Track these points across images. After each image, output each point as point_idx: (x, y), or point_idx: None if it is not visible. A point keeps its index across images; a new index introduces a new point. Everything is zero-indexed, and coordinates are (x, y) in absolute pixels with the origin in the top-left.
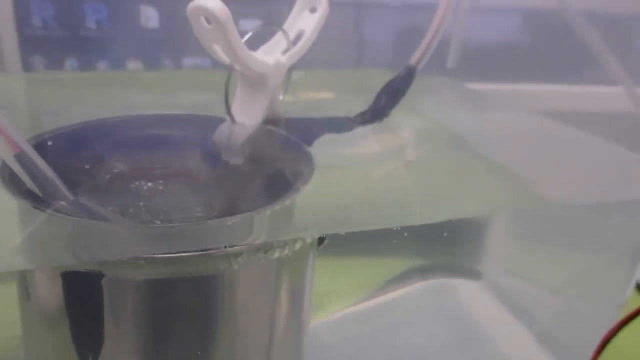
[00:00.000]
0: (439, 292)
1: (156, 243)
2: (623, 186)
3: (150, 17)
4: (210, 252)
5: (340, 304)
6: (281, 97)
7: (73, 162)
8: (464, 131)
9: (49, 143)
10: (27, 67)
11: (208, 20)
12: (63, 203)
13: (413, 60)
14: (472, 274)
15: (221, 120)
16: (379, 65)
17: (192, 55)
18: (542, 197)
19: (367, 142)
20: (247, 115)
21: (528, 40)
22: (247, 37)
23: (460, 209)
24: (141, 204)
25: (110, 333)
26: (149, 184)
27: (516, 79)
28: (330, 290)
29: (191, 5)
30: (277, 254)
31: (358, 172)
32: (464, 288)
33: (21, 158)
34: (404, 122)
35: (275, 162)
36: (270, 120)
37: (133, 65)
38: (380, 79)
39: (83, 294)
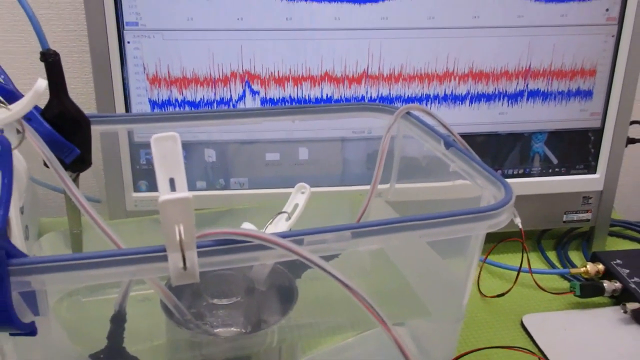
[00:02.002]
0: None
1: (233, 347)
2: None
3: (210, 154)
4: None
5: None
6: None
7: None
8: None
9: None
10: (135, 189)
11: None
12: (191, 325)
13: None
14: (399, 323)
15: None
16: (358, 181)
17: (236, 176)
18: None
19: None
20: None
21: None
22: (268, 224)
23: None
24: (219, 320)
25: None
26: (221, 310)
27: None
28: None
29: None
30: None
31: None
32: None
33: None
34: None
35: (277, 287)
36: None
37: (200, 184)
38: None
39: None
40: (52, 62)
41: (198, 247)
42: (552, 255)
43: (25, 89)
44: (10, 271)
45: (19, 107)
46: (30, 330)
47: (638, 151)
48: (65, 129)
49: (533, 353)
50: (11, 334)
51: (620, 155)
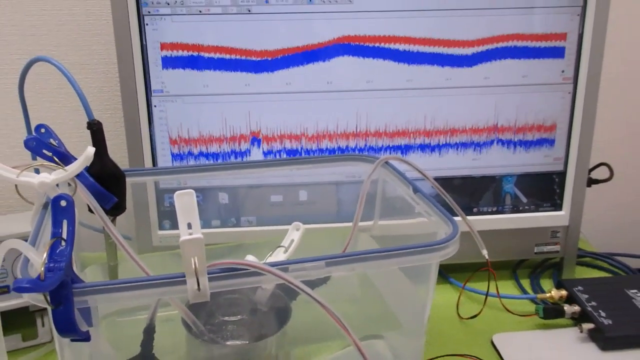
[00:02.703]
0: (368, 345)
1: (239, 355)
2: None
3: (223, 197)
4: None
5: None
6: None
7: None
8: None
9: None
10: (160, 227)
11: None
12: (206, 337)
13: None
14: (379, 336)
15: (260, 287)
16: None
17: (245, 215)
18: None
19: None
20: (267, 284)
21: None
22: (267, 257)
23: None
24: (228, 333)
25: None
26: (230, 326)
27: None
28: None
29: None
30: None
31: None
32: (377, 344)
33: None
34: None
35: (276, 308)
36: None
37: (215, 222)
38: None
39: None
40: (96, 130)
41: (209, 274)
42: (526, 283)
43: (66, 141)
44: (74, 293)
45: (73, 169)
46: (85, 337)
47: (614, 190)
48: (106, 182)
49: None
50: (72, 340)
51: (583, 194)
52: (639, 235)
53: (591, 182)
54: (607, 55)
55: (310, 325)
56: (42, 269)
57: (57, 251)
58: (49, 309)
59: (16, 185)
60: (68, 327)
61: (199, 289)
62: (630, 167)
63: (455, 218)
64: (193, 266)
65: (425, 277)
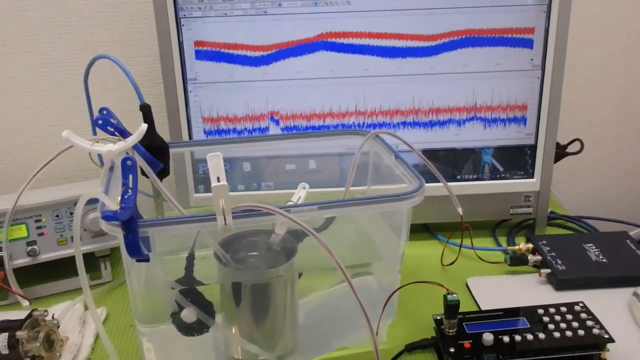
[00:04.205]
0: (361, 280)
1: (257, 277)
2: None
3: (247, 166)
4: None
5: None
6: None
7: (229, 249)
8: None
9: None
10: (196, 190)
11: None
12: (232, 266)
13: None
14: (370, 273)
15: (273, 232)
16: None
17: (265, 181)
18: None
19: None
20: (280, 230)
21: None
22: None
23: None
24: (249, 264)
25: (238, 297)
26: (251, 259)
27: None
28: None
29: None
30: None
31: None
32: (369, 279)
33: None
34: None
35: (286, 248)
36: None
37: (240, 187)
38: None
39: (233, 286)
40: (146, 112)
41: (232, 213)
42: (503, 240)
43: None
44: (138, 225)
45: (131, 140)
46: (146, 258)
47: (587, 163)
48: (154, 152)
49: (442, 286)
50: (137, 260)
51: (551, 164)
52: (614, 202)
53: (563, 154)
54: (587, 47)
55: (311, 259)
56: (118, 207)
57: (126, 197)
58: (122, 235)
59: (89, 153)
60: (135, 250)
61: (225, 223)
62: (602, 145)
63: (438, 184)
64: (221, 206)
65: (400, 223)
